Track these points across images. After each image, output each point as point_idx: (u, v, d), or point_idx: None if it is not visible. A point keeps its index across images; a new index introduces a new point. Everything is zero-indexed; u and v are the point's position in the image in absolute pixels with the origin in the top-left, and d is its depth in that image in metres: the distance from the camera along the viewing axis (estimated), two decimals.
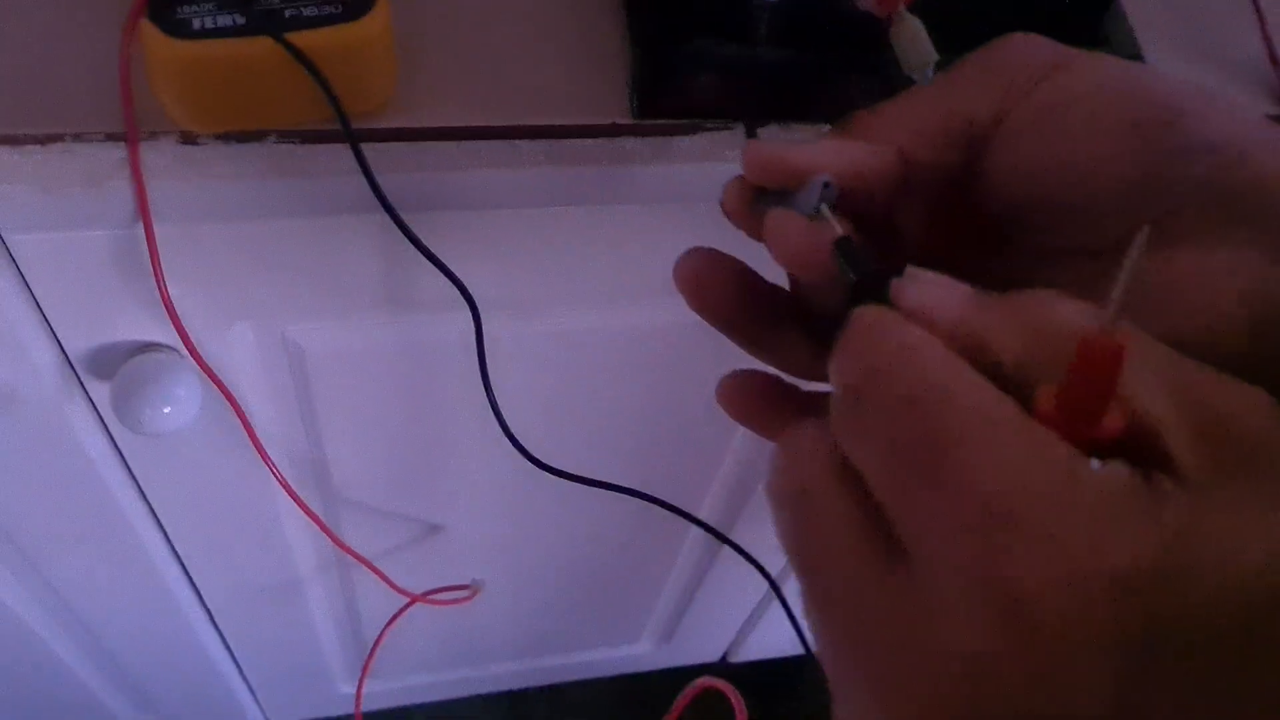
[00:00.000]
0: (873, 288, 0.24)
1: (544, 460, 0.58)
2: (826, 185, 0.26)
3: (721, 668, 1.20)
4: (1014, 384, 0.21)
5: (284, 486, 0.59)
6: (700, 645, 1.15)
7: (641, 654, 1.14)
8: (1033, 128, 0.27)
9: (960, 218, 0.29)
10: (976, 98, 0.28)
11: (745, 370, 0.31)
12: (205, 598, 0.80)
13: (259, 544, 0.73)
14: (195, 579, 0.77)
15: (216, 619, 0.85)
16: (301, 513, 0.71)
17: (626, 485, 0.68)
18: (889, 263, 0.24)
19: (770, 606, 1.03)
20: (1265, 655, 0.18)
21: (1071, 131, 0.26)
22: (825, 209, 0.26)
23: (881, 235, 0.29)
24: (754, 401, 0.30)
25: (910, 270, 0.24)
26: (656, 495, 0.72)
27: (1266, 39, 0.51)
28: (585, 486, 0.67)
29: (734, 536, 0.85)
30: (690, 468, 0.77)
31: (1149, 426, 0.20)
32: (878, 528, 0.22)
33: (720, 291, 0.30)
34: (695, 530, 0.87)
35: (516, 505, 0.77)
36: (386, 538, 0.77)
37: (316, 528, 0.74)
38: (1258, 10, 0.51)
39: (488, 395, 0.52)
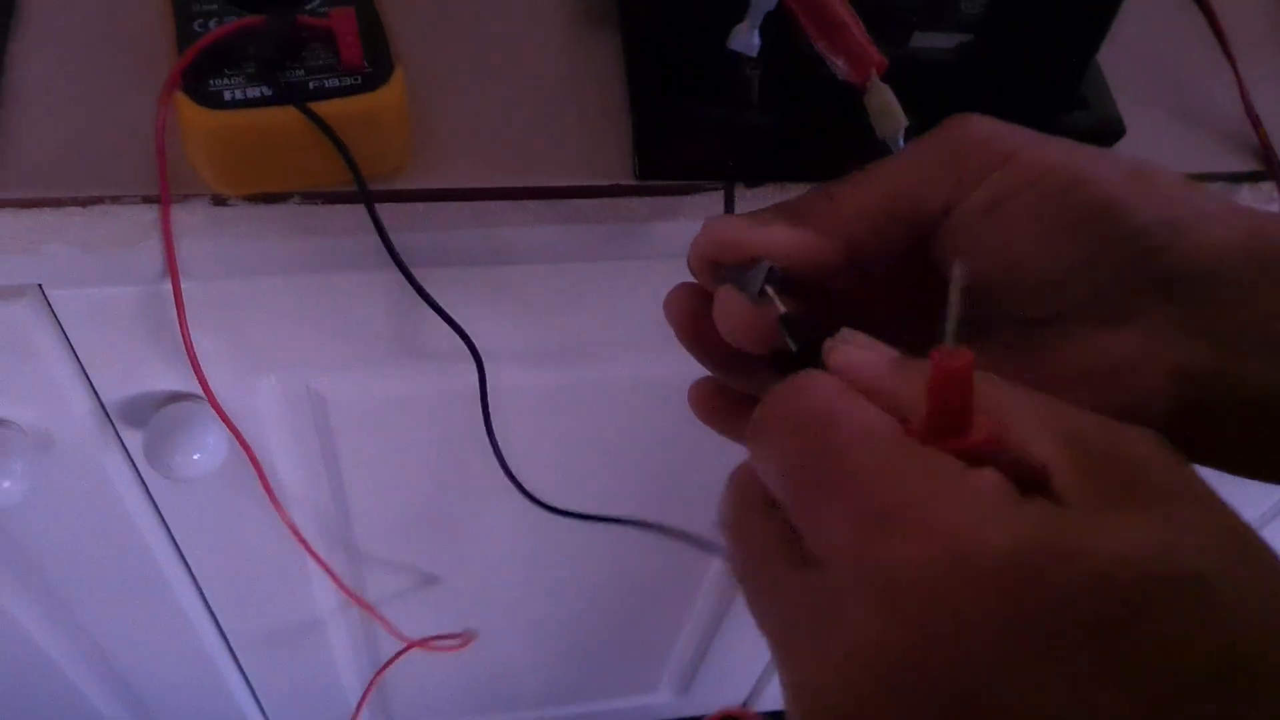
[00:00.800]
0: (811, 355, 0.27)
1: (554, 504, 0.60)
2: (771, 269, 0.29)
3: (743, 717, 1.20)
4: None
5: (291, 528, 0.61)
6: (720, 693, 1.15)
7: (661, 703, 1.15)
8: (977, 221, 0.29)
9: (916, 281, 0.31)
10: (925, 190, 0.30)
11: (710, 378, 0.34)
12: (229, 638, 0.82)
13: (282, 586, 0.75)
14: (220, 619, 0.79)
15: (240, 658, 0.86)
16: (324, 555, 0.74)
17: (637, 520, 0.70)
18: (827, 333, 0.27)
19: None
20: (1129, 638, 0.19)
21: (1012, 226, 0.28)
22: (769, 290, 0.29)
23: (831, 300, 0.31)
24: (718, 406, 0.33)
25: (843, 332, 0.26)
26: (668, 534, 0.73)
27: (1245, 97, 0.53)
28: (599, 533, 0.69)
29: None
30: (701, 511, 0.79)
31: (1038, 467, 0.22)
32: (791, 541, 0.24)
33: (700, 323, 0.32)
34: (712, 573, 0.88)
35: (533, 551, 0.79)
36: (405, 581, 0.79)
37: (339, 571, 0.76)
38: (1235, 70, 0.53)
39: (489, 438, 0.54)
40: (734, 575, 0.27)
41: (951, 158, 0.29)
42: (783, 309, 0.28)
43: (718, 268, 0.31)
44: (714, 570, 0.88)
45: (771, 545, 0.25)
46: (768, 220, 0.31)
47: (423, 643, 0.85)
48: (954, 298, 0.22)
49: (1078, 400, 0.23)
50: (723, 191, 0.47)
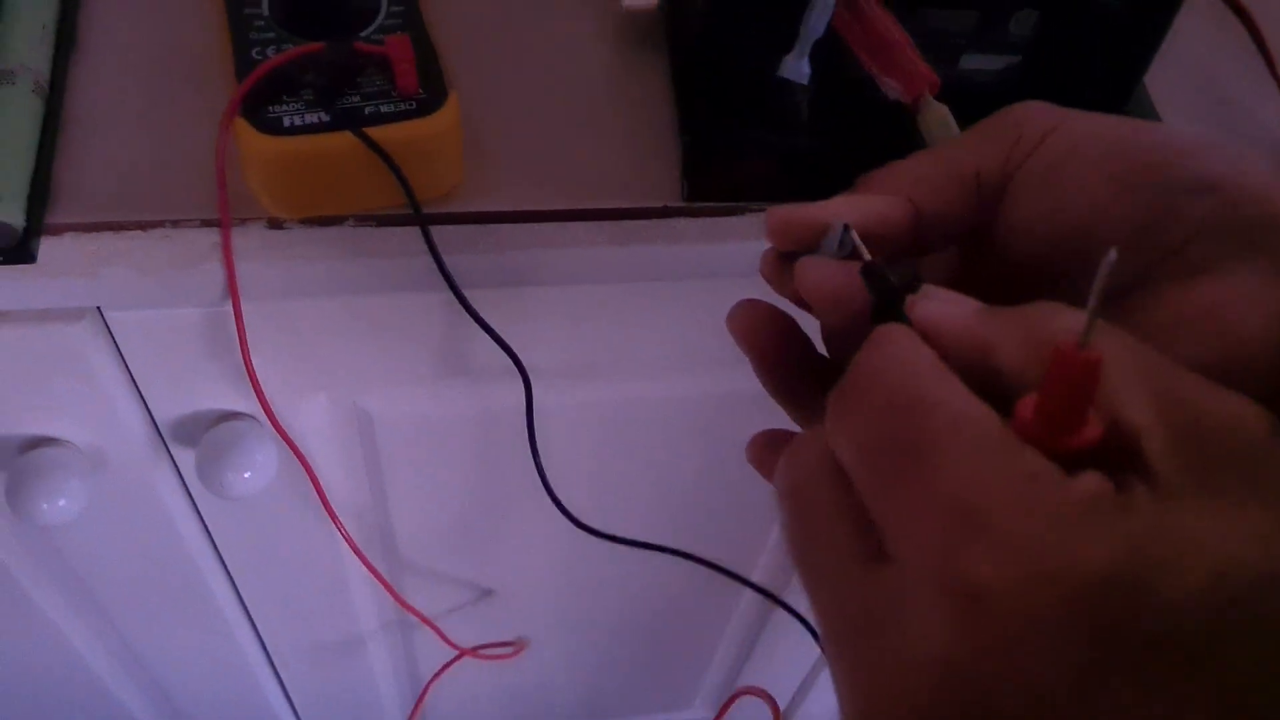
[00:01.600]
0: (894, 307, 0.25)
1: (596, 525, 0.60)
2: (846, 228, 0.28)
3: None
4: (1012, 391, 0.22)
5: (348, 542, 0.62)
6: (755, 711, 1.15)
7: None
8: (1037, 183, 0.29)
9: (987, 267, 0.31)
10: (983, 154, 0.30)
11: (768, 431, 0.32)
12: (271, 652, 0.83)
13: (325, 602, 0.76)
14: (263, 634, 0.80)
15: (280, 672, 0.87)
16: (366, 573, 0.74)
17: (678, 549, 0.70)
18: (908, 282, 0.26)
19: (825, 671, 1.03)
20: (1220, 658, 0.18)
21: (1072, 184, 0.28)
22: (851, 236, 0.28)
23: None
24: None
25: (926, 287, 0.25)
26: (708, 557, 0.73)
27: None
28: (637, 551, 0.69)
29: (786, 597, 0.86)
30: (741, 531, 0.79)
31: (1129, 432, 0.20)
32: (862, 527, 0.23)
33: (766, 334, 0.31)
34: (748, 591, 0.88)
35: (571, 568, 0.79)
36: (445, 597, 0.79)
37: (380, 588, 0.77)
38: None
39: (534, 458, 0.54)
40: (790, 551, 0.25)
41: (1007, 128, 0.29)
42: (867, 256, 0.27)
43: (789, 258, 0.30)
44: (749, 592, 0.88)
45: (839, 528, 0.23)
46: (829, 199, 0.30)
47: (473, 651, 0.84)
48: (1098, 282, 0.20)
49: (1170, 354, 0.22)
50: None
